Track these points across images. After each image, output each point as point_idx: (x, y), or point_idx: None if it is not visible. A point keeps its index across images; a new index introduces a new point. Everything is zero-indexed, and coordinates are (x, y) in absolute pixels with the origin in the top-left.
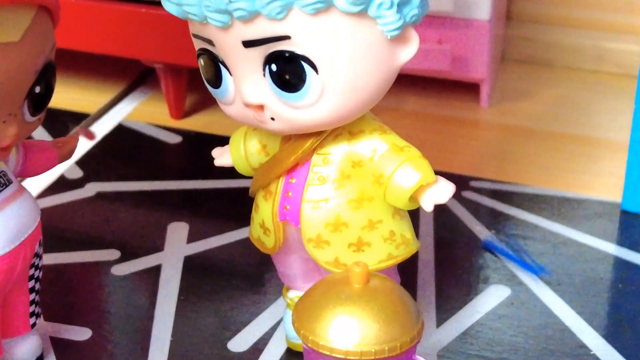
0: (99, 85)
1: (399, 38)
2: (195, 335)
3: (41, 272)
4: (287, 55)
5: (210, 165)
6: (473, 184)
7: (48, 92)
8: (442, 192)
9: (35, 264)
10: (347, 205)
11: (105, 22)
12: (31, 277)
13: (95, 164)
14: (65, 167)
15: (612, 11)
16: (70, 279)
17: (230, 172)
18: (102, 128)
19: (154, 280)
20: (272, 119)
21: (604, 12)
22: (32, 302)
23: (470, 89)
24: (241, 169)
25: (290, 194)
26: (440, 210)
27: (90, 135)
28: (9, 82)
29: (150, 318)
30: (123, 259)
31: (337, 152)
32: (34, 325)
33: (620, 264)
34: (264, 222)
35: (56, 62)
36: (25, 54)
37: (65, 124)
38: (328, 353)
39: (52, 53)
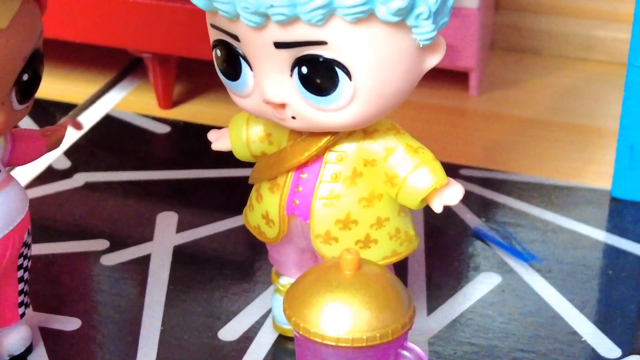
0: (87, 75)
1: (428, 45)
2: (185, 324)
3: (30, 262)
4: (320, 59)
5: (198, 154)
6: (463, 172)
7: (36, 79)
8: (453, 194)
9: (24, 253)
10: (358, 203)
11: (93, 12)
12: (20, 267)
13: (83, 154)
14: (53, 158)
15: None
16: (59, 269)
17: (219, 162)
18: (89, 118)
19: (144, 270)
20: (293, 117)
21: (591, 0)
22: (21, 292)
23: (459, 77)
24: (240, 155)
25: (300, 189)
26: None
27: (78, 126)
28: None
29: (140, 307)
30: (112, 248)
31: (351, 150)
32: (23, 315)
33: (610, 251)
34: (268, 214)
35: (43, 52)
36: (13, 40)
37: (52, 114)
38: (319, 340)
39: (40, 40)
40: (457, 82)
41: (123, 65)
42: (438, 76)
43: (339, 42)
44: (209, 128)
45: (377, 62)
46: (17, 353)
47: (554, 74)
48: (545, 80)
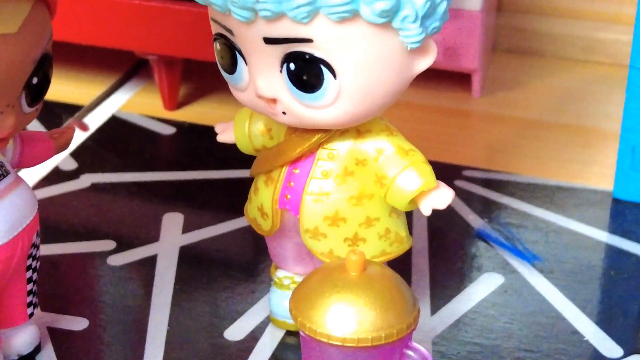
0: (93, 77)
1: (418, 48)
2: (191, 324)
3: (38, 263)
4: (307, 57)
5: (204, 156)
6: (465, 173)
7: (45, 82)
8: (442, 198)
9: (33, 254)
10: (347, 201)
11: (99, 14)
12: (29, 268)
13: (90, 156)
14: (60, 159)
15: (601, 1)
16: (66, 269)
17: (224, 163)
18: (95, 120)
19: (150, 271)
20: (284, 112)
21: (593, 2)
22: (29, 292)
23: (462, 79)
24: (243, 147)
25: (292, 184)
26: None
27: (84, 127)
28: (6, 74)
29: (146, 308)
30: (119, 249)
31: (343, 148)
32: (31, 315)
33: (612, 252)
34: (263, 207)
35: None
36: (23, 45)
37: (58, 115)
38: (325, 340)
39: (49, 44)
40: (460, 84)
41: (129, 67)
42: (441, 78)
43: (324, 40)
44: (214, 129)
45: (362, 62)
46: (25, 353)
47: (556, 76)
48: (547, 82)
